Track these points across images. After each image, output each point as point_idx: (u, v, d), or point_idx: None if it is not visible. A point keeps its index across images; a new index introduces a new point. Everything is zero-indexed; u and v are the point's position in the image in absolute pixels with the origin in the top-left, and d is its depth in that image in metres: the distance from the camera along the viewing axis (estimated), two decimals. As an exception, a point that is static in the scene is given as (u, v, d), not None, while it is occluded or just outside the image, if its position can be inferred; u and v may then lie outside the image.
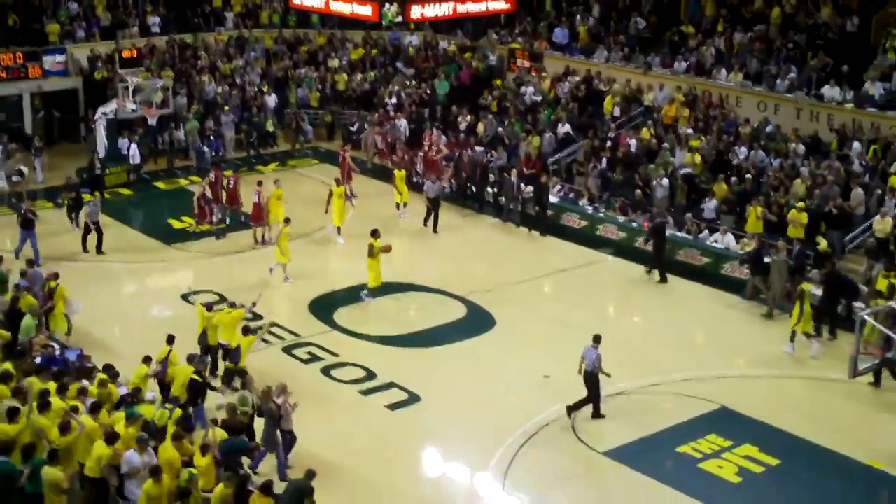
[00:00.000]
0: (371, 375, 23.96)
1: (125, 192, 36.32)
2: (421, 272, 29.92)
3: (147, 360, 21.32)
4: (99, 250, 30.41)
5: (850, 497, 19.77)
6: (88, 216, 30.59)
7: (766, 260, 27.78)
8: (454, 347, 25.76)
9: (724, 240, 30.29)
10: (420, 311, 27.75)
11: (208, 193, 32.58)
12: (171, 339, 21.90)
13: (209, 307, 23.57)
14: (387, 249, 27.57)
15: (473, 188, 36.18)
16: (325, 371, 24.19)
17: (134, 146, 37.50)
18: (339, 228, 31.76)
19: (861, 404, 22.89)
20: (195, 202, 32.46)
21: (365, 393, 23.21)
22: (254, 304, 24.21)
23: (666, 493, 19.89)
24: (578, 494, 19.94)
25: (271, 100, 42.66)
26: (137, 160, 37.54)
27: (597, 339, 22.12)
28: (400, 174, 34.36)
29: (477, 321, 27.08)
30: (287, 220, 29.07)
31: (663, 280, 29.70)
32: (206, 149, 38.60)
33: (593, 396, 22.11)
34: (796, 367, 24.82)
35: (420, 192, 34.38)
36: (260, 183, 32.42)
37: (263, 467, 19.62)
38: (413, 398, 23.00)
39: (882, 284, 25.69)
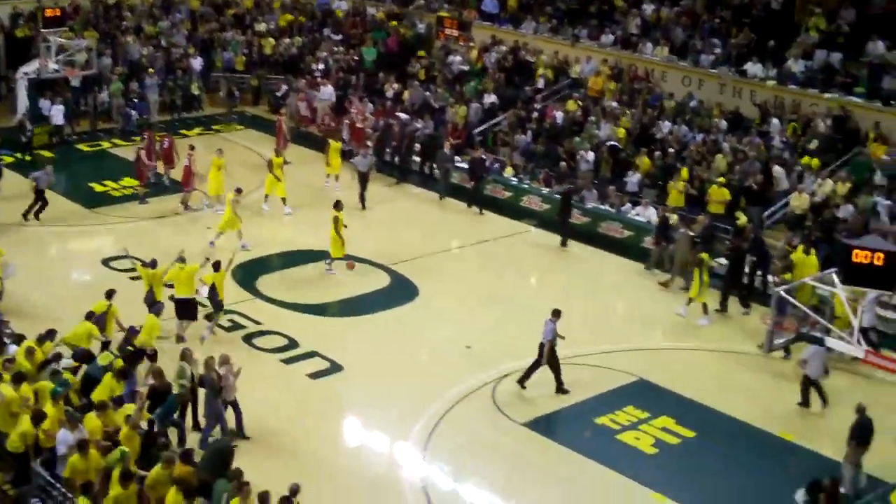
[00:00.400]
0: (293, 344, 23.95)
1: (46, 154, 35.70)
2: (346, 242, 29.97)
3: (90, 315, 21.39)
4: (34, 216, 29.86)
5: (763, 469, 20.18)
6: (38, 183, 29.83)
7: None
8: (377, 317, 25.81)
9: (646, 213, 30.61)
10: (343, 280, 27.75)
11: (143, 157, 32.31)
12: (110, 294, 22.17)
13: (152, 265, 23.60)
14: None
15: (398, 158, 36.12)
16: (248, 339, 24.11)
17: (57, 107, 36.88)
18: (284, 199, 31.23)
19: (774, 378, 23.31)
20: (137, 165, 32.31)
21: (287, 361, 23.21)
22: (206, 260, 24.34)
23: (584, 463, 20.18)
24: (497, 464, 20.11)
25: (197, 63, 42.16)
26: (60, 121, 36.93)
27: (555, 314, 22.40)
28: (335, 146, 33.80)
29: (400, 291, 27.16)
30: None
31: (564, 245, 30.22)
32: (132, 112, 38.15)
33: (551, 365, 22.35)
34: (713, 340, 25.22)
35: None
36: (192, 147, 32.17)
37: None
38: (335, 367, 23.05)
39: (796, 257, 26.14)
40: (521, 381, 22.50)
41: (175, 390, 19.51)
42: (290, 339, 24.13)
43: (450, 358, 23.81)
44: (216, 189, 30.83)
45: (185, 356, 20.03)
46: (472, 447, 20.53)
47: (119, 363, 19.53)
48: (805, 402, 22.25)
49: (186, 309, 23.56)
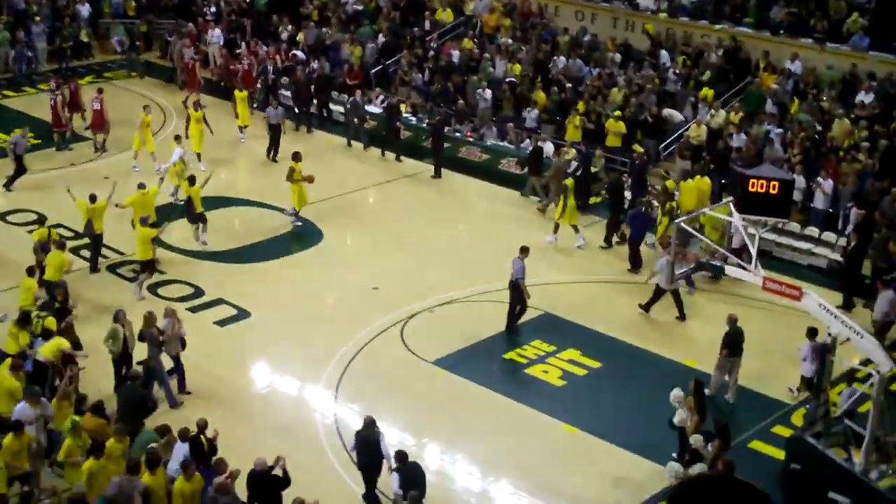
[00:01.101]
0: (199, 292, 23.89)
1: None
2: (248, 187, 29.84)
3: (31, 271, 21.25)
4: (8, 187, 28.93)
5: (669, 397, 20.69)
6: (16, 148, 28.95)
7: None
8: (282, 262, 25.85)
9: (545, 148, 30.85)
10: (246, 225, 27.60)
11: (60, 104, 31.75)
12: (42, 221, 23.46)
13: (92, 199, 24.10)
14: (309, 180, 27.20)
15: (299, 104, 34.90)
16: (152, 289, 23.94)
17: None
18: (199, 155, 30.45)
19: (673, 306, 23.73)
20: (52, 112, 31.72)
21: (193, 310, 23.11)
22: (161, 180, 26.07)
23: (494, 398, 20.55)
24: (409, 403, 20.37)
25: (84, 9, 41.20)
26: None
27: (523, 250, 22.69)
28: (241, 95, 33.09)
29: (305, 235, 27.15)
30: (178, 138, 28.84)
31: (437, 175, 30.76)
32: (27, 53, 37.14)
33: (519, 303, 22.59)
34: (612, 272, 25.66)
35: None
36: (100, 90, 31.93)
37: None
38: (242, 314, 23.06)
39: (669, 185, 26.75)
40: (509, 328, 22.70)
41: (108, 350, 19.43)
42: (196, 288, 24.04)
43: (357, 300, 23.92)
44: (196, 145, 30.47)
45: (118, 318, 19.77)
46: (383, 387, 20.74)
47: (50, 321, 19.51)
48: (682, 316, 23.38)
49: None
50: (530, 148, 30.15)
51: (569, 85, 32.90)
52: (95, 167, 30.47)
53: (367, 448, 17.04)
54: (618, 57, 34.14)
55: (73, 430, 16.31)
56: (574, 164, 28.84)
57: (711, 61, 32.73)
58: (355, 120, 33.22)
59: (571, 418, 19.94)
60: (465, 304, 23.93)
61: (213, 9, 41.48)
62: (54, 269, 21.97)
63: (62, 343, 18.91)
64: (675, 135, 30.60)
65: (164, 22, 41.86)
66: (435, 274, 24.72)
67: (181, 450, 16.50)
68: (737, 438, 18.81)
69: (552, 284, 24.73)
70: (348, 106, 33.82)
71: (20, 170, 28.88)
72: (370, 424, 17.10)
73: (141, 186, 25.05)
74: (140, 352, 19.86)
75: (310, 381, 20.80)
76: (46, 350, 18.85)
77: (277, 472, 16.10)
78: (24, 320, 19.48)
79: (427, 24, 38.62)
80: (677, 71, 32.88)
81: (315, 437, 19.18)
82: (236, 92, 33.53)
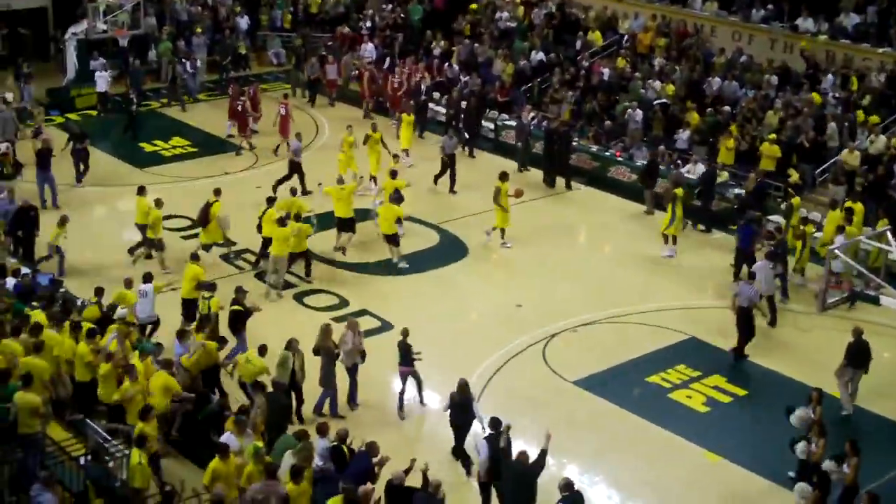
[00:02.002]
0: (344, 303, 24.09)
1: (92, 113, 35.89)
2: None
3: (129, 283, 21.63)
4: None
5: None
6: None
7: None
8: (427, 275, 25.87)
9: (695, 170, 30.32)
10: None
11: (248, 107, 33.20)
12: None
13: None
14: (518, 194, 27.15)
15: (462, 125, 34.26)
16: (298, 298, 24.26)
17: (101, 74, 36.30)
18: (374, 178, 29.93)
19: (825, 335, 23.01)
20: (239, 116, 33.17)
21: (338, 320, 23.20)
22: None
23: (635, 422, 20.22)
24: (548, 422, 20.06)
25: (243, 21, 42.19)
26: (103, 88, 36.30)
27: (752, 276, 22.56)
28: (408, 119, 32.71)
29: (450, 249, 27.15)
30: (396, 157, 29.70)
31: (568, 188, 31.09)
32: (190, 70, 38.15)
33: (747, 332, 22.33)
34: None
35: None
36: (286, 96, 34.28)
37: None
38: (385, 326, 23.13)
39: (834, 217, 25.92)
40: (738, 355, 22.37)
41: (274, 376, 19.46)
42: (341, 298, 24.25)
43: (500, 317, 23.86)
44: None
45: (291, 346, 19.67)
46: (523, 405, 20.50)
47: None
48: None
49: (347, 224, 25.96)
50: (685, 170, 29.81)
51: (726, 108, 32.26)
52: (249, 175, 31.03)
53: (459, 409, 18.35)
54: (774, 79, 33.41)
55: (256, 456, 16.33)
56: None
57: (873, 85, 31.79)
58: (519, 144, 32.99)
59: (714, 446, 19.49)
60: (609, 325, 23.65)
61: (368, 23, 41.97)
62: (187, 280, 22.25)
63: (263, 367, 19.31)
64: (832, 160, 29.76)
65: (319, 36, 42.49)
66: (578, 293, 24.44)
67: (322, 445, 16.85)
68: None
69: (696, 309, 24.30)
70: (515, 125, 33.64)
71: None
72: (463, 386, 18.40)
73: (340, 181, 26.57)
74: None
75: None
76: (247, 374, 19.31)
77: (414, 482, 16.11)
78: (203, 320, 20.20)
79: (578, 44, 38.38)
80: (837, 95, 32.01)
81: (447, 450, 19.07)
82: (404, 116, 33.06)
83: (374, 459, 16.42)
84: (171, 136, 33.82)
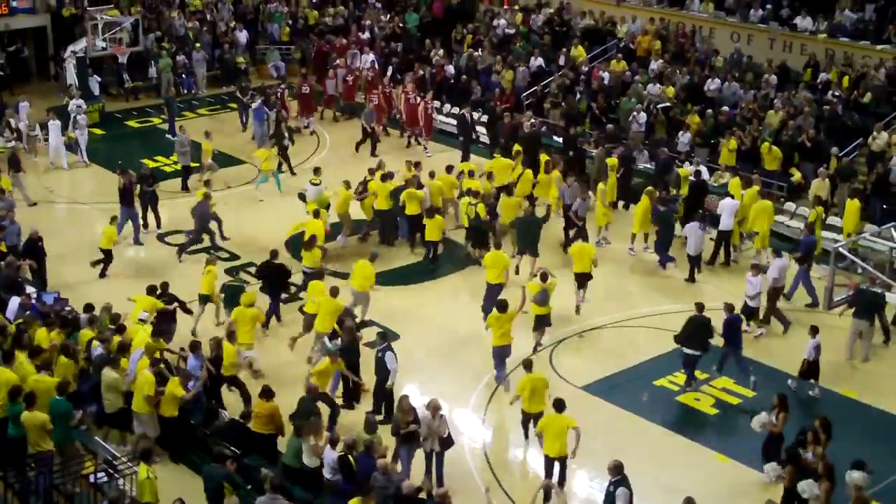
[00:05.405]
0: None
1: (96, 131, 35.91)
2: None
3: (152, 290, 21.57)
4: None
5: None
6: None
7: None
8: (429, 285, 25.91)
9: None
10: (393, 249, 27.67)
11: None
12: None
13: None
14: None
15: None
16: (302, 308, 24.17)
17: (93, 79, 37.12)
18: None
19: (832, 334, 22.73)
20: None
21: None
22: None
23: (644, 425, 20.24)
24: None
25: (242, 36, 42.23)
26: (96, 92, 37.06)
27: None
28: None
29: (455, 257, 27.15)
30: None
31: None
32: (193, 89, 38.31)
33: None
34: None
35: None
36: (305, 75, 36.68)
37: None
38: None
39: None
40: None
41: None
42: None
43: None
44: None
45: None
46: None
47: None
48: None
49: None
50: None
51: (725, 108, 32.23)
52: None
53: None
54: (774, 79, 33.39)
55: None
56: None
57: (874, 83, 31.78)
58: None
59: (724, 448, 19.48)
60: (615, 330, 23.63)
61: (366, 34, 41.96)
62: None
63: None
64: (856, 142, 29.71)
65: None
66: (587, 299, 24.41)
67: (331, 457, 16.95)
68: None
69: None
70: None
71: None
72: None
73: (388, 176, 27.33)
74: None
75: (458, 404, 20.70)
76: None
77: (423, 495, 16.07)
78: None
79: (562, 59, 38.11)
80: (837, 93, 31.98)
81: (461, 460, 19.06)
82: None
83: (376, 457, 16.56)
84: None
